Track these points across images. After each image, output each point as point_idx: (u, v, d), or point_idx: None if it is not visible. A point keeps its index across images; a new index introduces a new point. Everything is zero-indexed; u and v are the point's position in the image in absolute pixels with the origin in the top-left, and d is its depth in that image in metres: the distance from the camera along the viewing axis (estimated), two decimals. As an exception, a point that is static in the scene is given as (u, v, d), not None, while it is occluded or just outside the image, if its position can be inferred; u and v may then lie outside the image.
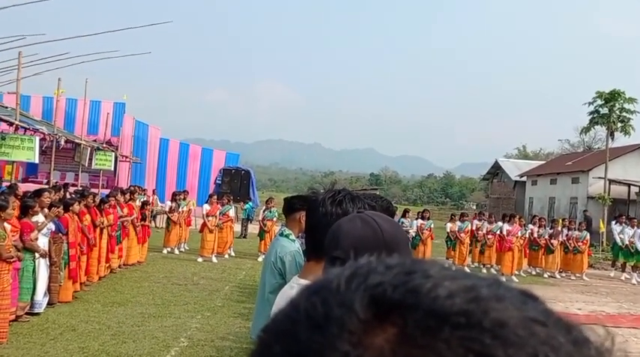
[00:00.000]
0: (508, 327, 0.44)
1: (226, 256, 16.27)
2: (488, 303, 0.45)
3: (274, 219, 16.66)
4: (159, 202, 22.81)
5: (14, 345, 7.06)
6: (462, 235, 16.94)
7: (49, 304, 8.89)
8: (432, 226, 17.07)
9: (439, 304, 0.45)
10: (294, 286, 2.05)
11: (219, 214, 15.98)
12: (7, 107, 16.89)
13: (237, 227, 20.79)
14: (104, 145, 22.35)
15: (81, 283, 10.28)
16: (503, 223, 16.77)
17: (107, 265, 11.94)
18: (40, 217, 8.56)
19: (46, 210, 8.83)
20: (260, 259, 15.46)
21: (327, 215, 1.91)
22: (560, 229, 17.67)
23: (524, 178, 43.55)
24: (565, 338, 0.45)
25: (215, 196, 16.67)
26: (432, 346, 0.43)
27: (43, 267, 8.56)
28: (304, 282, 2.03)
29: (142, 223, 14.41)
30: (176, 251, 16.31)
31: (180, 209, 16.49)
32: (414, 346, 0.44)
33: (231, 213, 16.77)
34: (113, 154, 22.10)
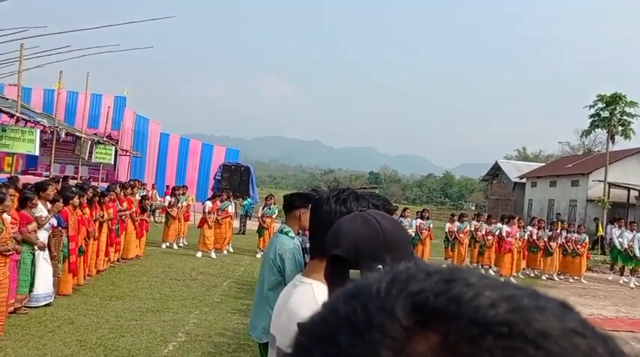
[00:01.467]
0: (550, 338, 0.44)
1: (225, 252, 16.27)
2: (529, 313, 0.45)
3: (273, 216, 16.66)
4: (158, 197, 22.82)
5: (12, 337, 7.06)
6: (461, 235, 16.96)
7: (48, 296, 8.89)
8: (431, 225, 17.06)
9: (481, 314, 0.45)
10: (298, 284, 2.05)
11: (218, 210, 15.97)
12: (8, 99, 16.88)
13: (236, 223, 20.79)
14: (104, 139, 22.34)
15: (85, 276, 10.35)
16: (503, 224, 16.77)
17: (107, 258, 11.96)
18: (43, 212, 8.54)
19: (49, 204, 8.81)
20: (259, 255, 15.47)
21: (332, 213, 1.90)
22: (559, 231, 17.68)
23: (523, 180, 43.54)
24: (603, 349, 0.45)
25: (218, 196, 16.66)
26: (475, 355, 0.43)
27: (42, 261, 8.56)
28: (308, 280, 2.02)
29: (141, 217, 14.41)
30: (175, 246, 16.32)
31: (179, 204, 16.51)
32: (457, 354, 0.44)
33: (230, 209, 16.77)
34: (113, 147, 22.09)
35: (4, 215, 7.37)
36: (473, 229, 17.22)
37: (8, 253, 7.37)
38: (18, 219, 8.02)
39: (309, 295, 1.92)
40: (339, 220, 1.66)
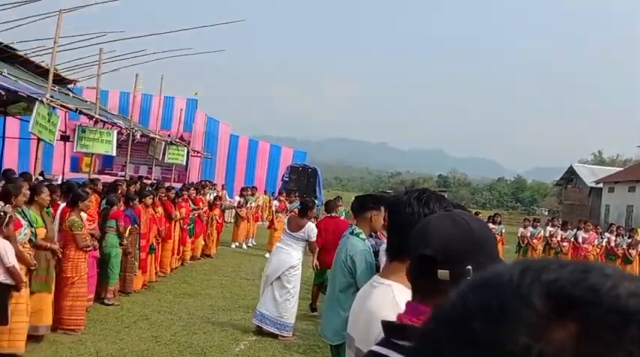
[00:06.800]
0: None
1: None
2: None
3: (342, 218, 16.60)
4: (227, 197, 23.21)
5: (91, 331, 7.31)
6: (534, 241, 16.48)
7: (125, 292, 9.15)
8: (503, 230, 16.64)
9: (622, 303, 0.44)
10: (376, 285, 2.02)
11: (287, 211, 16.09)
12: (87, 101, 17.54)
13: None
14: (177, 140, 22.90)
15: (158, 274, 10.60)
16: (578, 230, 16.23)
17: (178, 256, 12.23)
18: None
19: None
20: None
21: (415, 215, 1.90)
22: (639, 238, 16.93)
23: (600, 185, 42.00)
24: None
25: (284, 194, 16.79)
26: (619, 344, 0.43)
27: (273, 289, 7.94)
28: (387, 281, 2.00)
29: (215, 217, 14.68)
30: (244, 246, 16.54)
31: (248, 205, 16.72)
32: (599, 343, 0.44)
33: (299, 210, 16.84)
34: (185, 148, 22.59)
35: (82, 213, 7.63)
36: (548, 234, 16.73)
37: (88, 249, 7.64)
38: (95, 216, 8.30)
39: (389, 296, 1.93)
40: (427, 219, 1.63)
